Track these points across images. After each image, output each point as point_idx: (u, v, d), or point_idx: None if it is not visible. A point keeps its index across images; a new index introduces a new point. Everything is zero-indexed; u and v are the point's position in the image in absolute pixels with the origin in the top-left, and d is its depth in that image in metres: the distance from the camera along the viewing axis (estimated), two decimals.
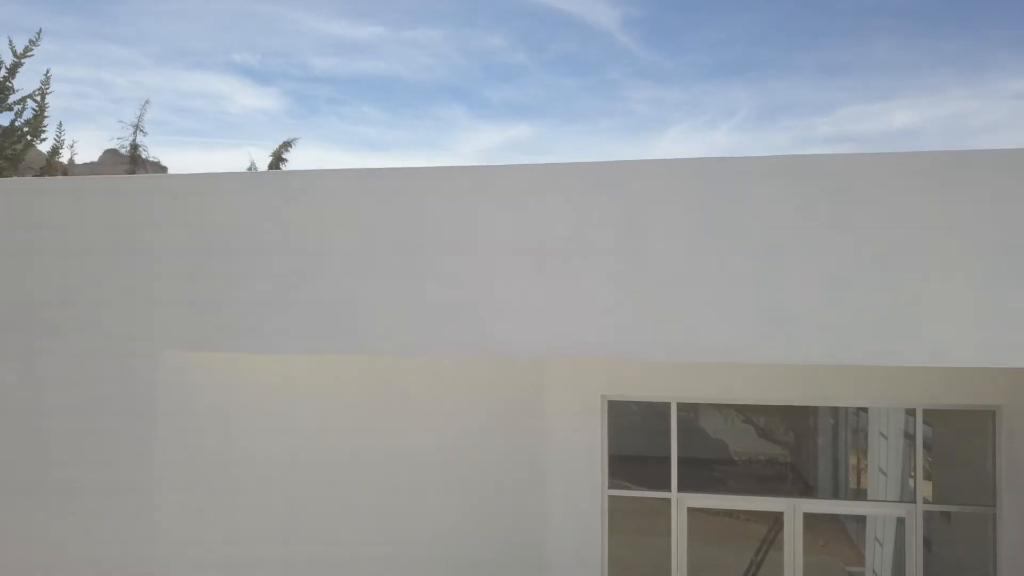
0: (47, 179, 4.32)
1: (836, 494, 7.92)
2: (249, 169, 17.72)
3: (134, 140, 12.90)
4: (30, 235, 4.21)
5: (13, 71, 10.43)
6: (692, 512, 6.85)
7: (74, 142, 11.67)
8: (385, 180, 3.87)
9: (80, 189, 4.17)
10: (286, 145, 17.99)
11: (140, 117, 12.75)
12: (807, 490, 7.29)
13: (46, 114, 10.54)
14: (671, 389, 4.50)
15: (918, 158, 3.47)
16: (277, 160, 17.32)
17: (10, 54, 10.27)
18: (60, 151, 10.85)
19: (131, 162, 12.56)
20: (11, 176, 10.23)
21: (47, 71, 10.70)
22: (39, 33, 10.41)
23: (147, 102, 13.48)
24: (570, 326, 3.68)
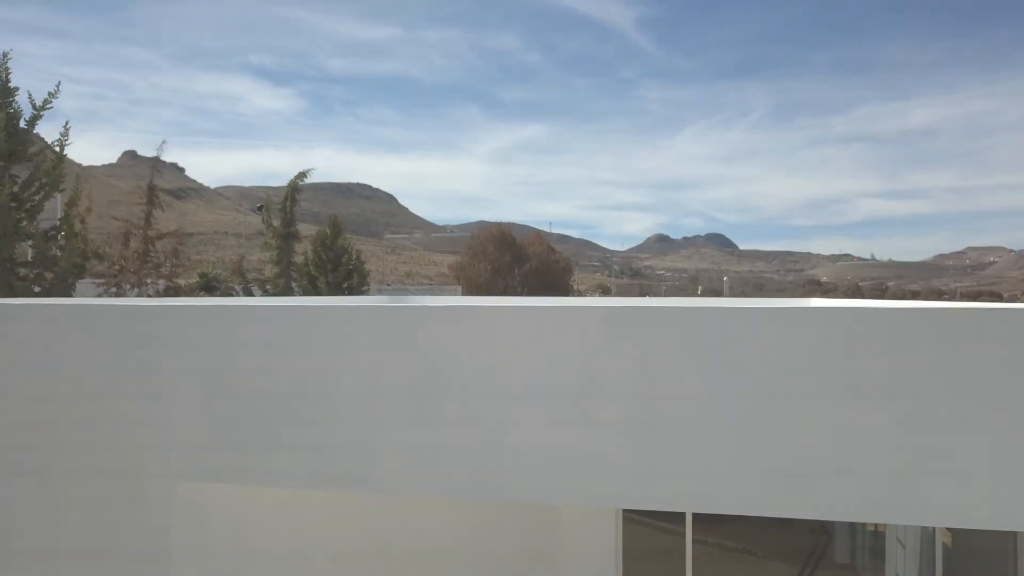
0: (63, 303, 4.34)
1: (853, 536, 7.85)
2: (262, 208, 17.91)
3: (151, 182, 12.98)
4: (46, 359, 4.23)
5: (32, 123, 10.54)
6: (708, 547, 6.80)
7: (91, 202, 11.78)
8: (399, 318, 3.86)
9: (96, 315, 4.19)
10: (301, 175, 18.18)
11: (157, 159, 12.81)
12: (823, 531, 7.23)
13: (64, 166, 10.65)
14: (688, 499, 4.45)
15: (938, 313, 3.43)
16: (293, 191, 17.45)
17: (30, 107, 10.40)
18: (78, 202, 10.97)
19: (148, 203, 12.65)
20: (29, 228, 10.36)
21: (67, 123, 10.83)
22: (58, 85, 10.51)
23: (164, 142, 13.49)
24: (584, 472, 3.66)
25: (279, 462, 3.92)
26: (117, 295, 11.55)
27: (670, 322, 3.60)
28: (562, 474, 3.66)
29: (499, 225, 56.66)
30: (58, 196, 11.03)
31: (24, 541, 4.11)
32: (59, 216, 10.98)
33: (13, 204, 10.25)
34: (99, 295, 12.13)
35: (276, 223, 17.45)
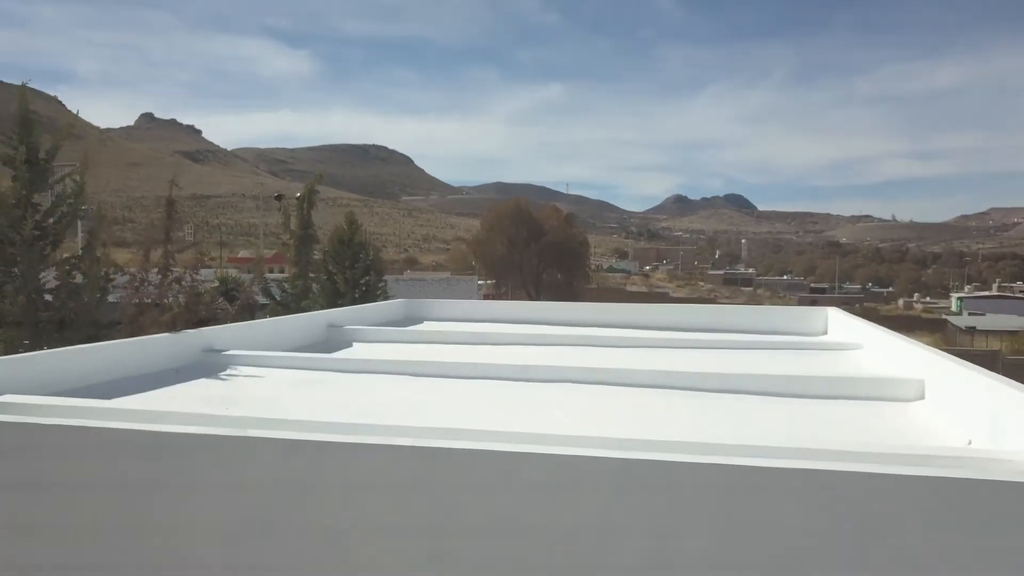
0: (89, 427, 4.47)
1: None
2: (279, 197, 18.02)
3: (170, 195, 13.06)
4: (70, 477, 4.37)
5: (52, 154, 10.64)
6: None
7: (109, 239, 11.94)
8: (417, 457, 3.96)
9: (119, 441, 4.31)
10: (319, 178, 18.21)
11: (172, 181, 12.87)
12: None
13: (84, 201, 10.79)
14: None
15: (955, 484, 3.44)
16: (309, 193, 17.49)
17: (48, 138, 10.50)
18: (101, 235, 11.11)
19: (168, 217, 12.74)
20: (53, 256, 10.52)
21: (84, 152, 10.92)
22: (77, 112, 10.55)
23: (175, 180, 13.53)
24: None
25: None
26: (138, 308, 11.72)
27: (685, 478, 3.67)
28: None
29: (515, 198, 56.49)
30: (79, 223, 11.20)
31: None
32: (81, 246, 11.15)
33: (36, 232, 10.42)
34: (119, 298, 12.26)
35: (293, 225, 17.54)
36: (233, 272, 22.35)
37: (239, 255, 59.75)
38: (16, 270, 10.39)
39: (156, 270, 12.84)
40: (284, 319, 9.29)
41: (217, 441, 4.25)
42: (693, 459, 3.67)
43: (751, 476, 3.61)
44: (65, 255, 10.85)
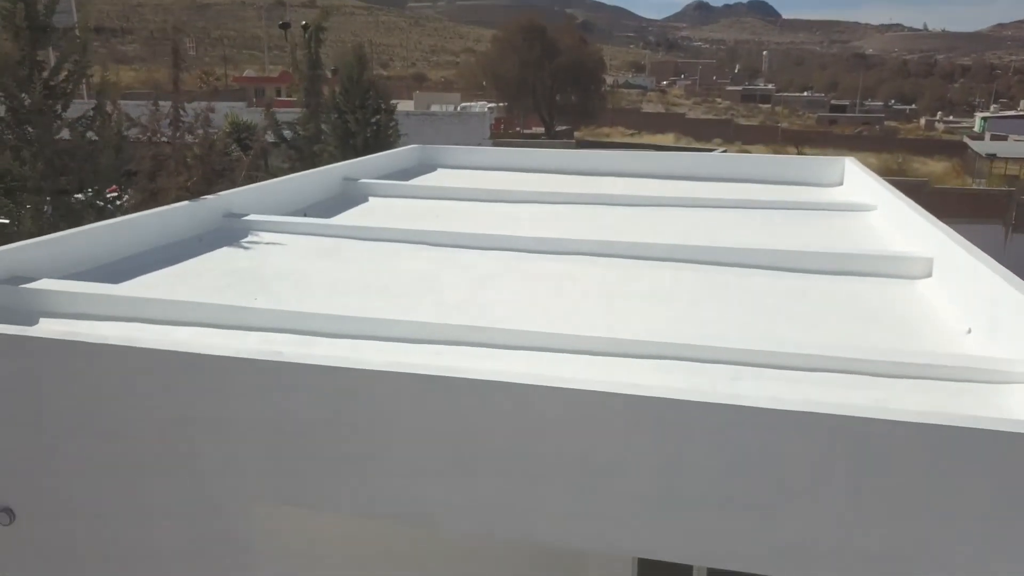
0: (139, 349, 4.72)
1: None
2: (283, 25, 17.37)
3: (174, 46, 12.71)
4: (126, 398, 4.68)
5: (51, 8, 10.25)
6: None
7: (118, 78, 11.66)
8: (441, 386, 4.22)
9: (167, 367, 4.55)
10: (324, 15, 17.44)
11: (175, 51, 12.45)
12: None
13: (90, 53, 10.50)
14: (703, 553, 4.87)
15: (947, 431, 3.62)
16: (316, 32, 16.85)
17: None
18: (109, 93, 10.92)
19: (175, 66, 12.44)
20: (66, 116, 10.42)
21: (85, 15, 10.52)
22: None
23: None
24: (610, 531, 4.19)
25: (341, 491, 4.46)
26: (154, 161, 11.77)
27: (690, 417, 3.91)
28: (587, 529, 4.19)
29: (528, 12, 53.79)
30: (84, 82, 10.99)
31: (119, 545, 4.76)
32: (92, 106, 10.99)
33: (45, 92, 10.30)
34: (134, 138, 12.28)
35: (301, 65, 17.08)
36: (242, 110, 21.95)
37: (244, 74, 58.00)
38: (30, 128, 10.38)
39: (168, 120, 12.72)
40: (300, 176, 9.30)
41: (251, 364, 4.49)
42: (700, 399, 3.88)
43: (752, 416, 3.86)
44: (77, 116, 10.77)
